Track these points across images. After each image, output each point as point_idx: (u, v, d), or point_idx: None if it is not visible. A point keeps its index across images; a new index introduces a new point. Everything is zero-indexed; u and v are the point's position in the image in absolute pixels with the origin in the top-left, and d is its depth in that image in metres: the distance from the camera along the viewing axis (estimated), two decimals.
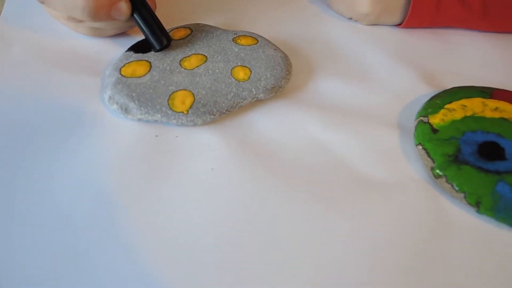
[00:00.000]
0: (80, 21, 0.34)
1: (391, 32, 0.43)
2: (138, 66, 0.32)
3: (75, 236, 0.24)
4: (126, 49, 0.34)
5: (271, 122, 0.32)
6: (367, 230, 0.26)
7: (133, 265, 0.23)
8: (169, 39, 0.34)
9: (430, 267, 0.24)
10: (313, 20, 0.44)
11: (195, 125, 0.30)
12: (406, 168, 0.30)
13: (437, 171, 0.28)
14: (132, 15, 0.33)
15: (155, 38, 0.33)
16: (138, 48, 0.34)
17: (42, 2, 0.32)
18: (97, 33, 0.36)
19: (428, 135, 0.30)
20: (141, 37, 0.34)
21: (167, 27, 0.37)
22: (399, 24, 0.43)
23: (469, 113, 0.31)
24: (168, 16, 0.40)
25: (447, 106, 0.32)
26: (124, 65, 0.32)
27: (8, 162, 0.27)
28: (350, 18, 0.44)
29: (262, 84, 0.32)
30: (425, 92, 0.36)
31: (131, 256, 0.23)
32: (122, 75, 0.31)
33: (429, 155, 0.29)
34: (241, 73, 0.32)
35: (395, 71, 0.38)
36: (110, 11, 0.32)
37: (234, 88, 0.31)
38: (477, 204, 0.27)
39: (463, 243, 0.26)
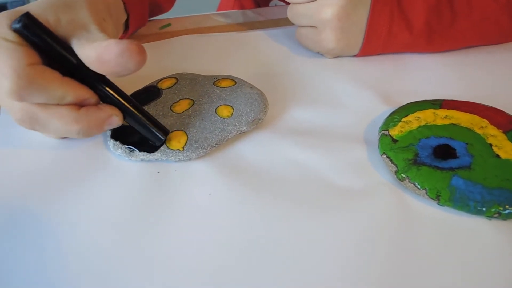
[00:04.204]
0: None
1: (350, 61, 0.48)
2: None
3: (93, 265, 0.27)
4: None
5: (255, 150, 0.36)
6: (349, 230, 0.30)
7: (146, 282, 0.27)
8: (166, 132, 0.34)
9: (404, 255, 0.28)
10: (282, 59, 0.49)
11: (190, 159, 0.34)
12: (375, 175, 0.34)
13: (401, 174, 0.33)
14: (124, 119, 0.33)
15: (153, 137, 0.34)
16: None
17: (34, 129, 0.31)
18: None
19: (389, 145, 0.35)
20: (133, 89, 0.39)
21: (155, 79, 0.42)
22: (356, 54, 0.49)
23: (423, 123, 0.36)
24: (155, 69, 0.45)
25: (404, 119, 0.37)
26: None
27: (32, 204, 0.31)
28: (317, 53, 0.49)
29: (243, 119, 0.37)
30: (385, 110, 0.40)
31: (145, 276, 0.27)
32: (123, 124, 0.36)
33: (392, 162, 0.33)
34: (225, 111, 0.37)
35: (358, 95, 0.43)
36: (104, 127, 0.31)
37: (220, 124, 0.36)
38: (437, 197, 0.31)
39: (430, 231, 0.30)
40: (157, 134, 0.34)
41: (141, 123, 0.33)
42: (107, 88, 0.31)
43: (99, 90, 0.31)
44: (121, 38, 0.48)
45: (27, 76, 0.27)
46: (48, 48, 0.28)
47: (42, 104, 0.29)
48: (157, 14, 0.57)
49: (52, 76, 0.28)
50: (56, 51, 0.28)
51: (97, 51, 0.28)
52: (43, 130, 0.31)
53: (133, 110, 0.32)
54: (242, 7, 0.81)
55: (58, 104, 0.29)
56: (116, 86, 0.32)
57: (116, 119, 0.32)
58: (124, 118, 0.32)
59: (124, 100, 0.32)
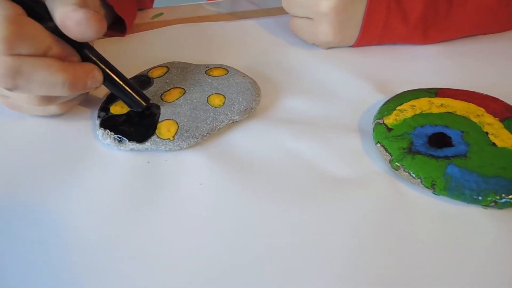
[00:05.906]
0: (52, 101, 0.33)
1: (344, 50, 0.47)
2: (124, 103, 0.35)
3: (82, 256, 0.27)
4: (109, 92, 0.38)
5: (247, 139, 0.35)
6: (343, 220, 0.29)
7: (136, 273, 0.26)
8: (147, 99, 0.34)
9: (399, 245, 0.28)
10: (275, 48, 0.48)
11: (181, 149, 0.34)
12: (369, 164, 0.34)
13: (395, 163, 0.32)
14: (103, 82, 0.33)
15: (133, 102, 0.34)
16: None
17: (16, 88, 0.29)
18: (65, 109, 0.36)
19: (384, 134, 0.34)
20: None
21: (146, 67, 0.41)
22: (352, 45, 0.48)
23: (418, 111, 0.35)
24: (147, 58, 0.44)
25: (398, 107, 0.36)
26: (112, 104, 0.36)
27: (20, 194, 0.30)
28: (312, 44, 0.48)
29: (235, 108, 0.36)
30: (379, 99, 0.40)
31: (135, 266, 0.26)
32: (112, 113, 0.35)
33: (387, 150, 0.33)
34: (216, 100, 0.36)
35: (352, 83, 0.42)
36: (87, 81, 0.31)
37: (211, 113, 0.35)
38: (433, 186, 0.30)
39: (426, 220, 0.29)
40: (137, 98, 0.34)
41: (120, 86, 0.33)
42: (87, 51, 0.32)
43: (80, 52, 0.32)
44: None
45: (20, 23, 0.28)
46: (32, 6, 0.29)
47: (27, 56, 0.29)
48: (139, 7, 0.56)
49: (40, 27, 0.29)
50: (40, 9, 0.30)
51: (60, 17, 0.29)
52: (26, 84, 0.29)
53: (112, 73, 0.33)
54: None
55: (43, 56, 0.29)
56: (97, 51, 0.33)
57: (98, 74, 0.32)
58: (104, 80, 0.33)
59: (102, 63, 0.32)
